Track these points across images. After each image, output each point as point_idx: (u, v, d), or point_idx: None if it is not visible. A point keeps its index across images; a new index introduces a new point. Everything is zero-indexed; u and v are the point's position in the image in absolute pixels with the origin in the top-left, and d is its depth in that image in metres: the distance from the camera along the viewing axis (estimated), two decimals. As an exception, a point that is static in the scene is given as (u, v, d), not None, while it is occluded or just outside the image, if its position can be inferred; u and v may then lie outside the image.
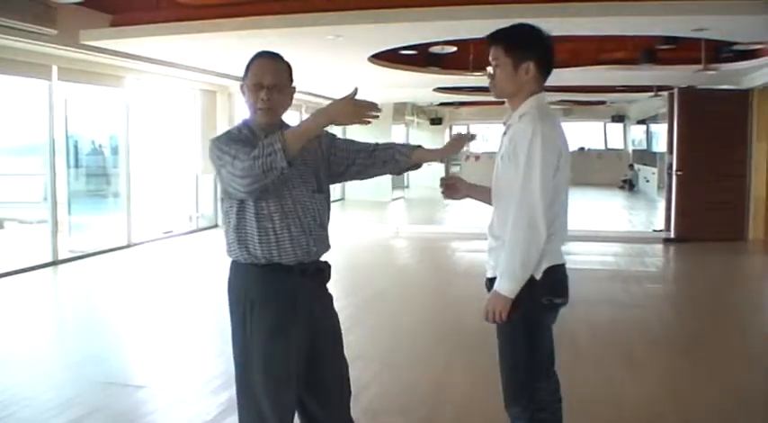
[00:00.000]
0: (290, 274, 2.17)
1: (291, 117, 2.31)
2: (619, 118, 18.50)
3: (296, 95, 2.33)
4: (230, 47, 6.83)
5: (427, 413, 3.43)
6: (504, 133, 2.30)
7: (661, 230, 9.68)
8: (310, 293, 2.23)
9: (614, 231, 10.18)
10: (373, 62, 7.94)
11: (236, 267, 2.23)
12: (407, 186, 16.33)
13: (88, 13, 6.35)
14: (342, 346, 2.34)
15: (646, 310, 5.69)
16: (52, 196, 7.53)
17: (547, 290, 2.22)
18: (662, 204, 10.34)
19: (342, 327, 2.36)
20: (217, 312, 5.25)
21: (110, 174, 9.14)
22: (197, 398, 3.65)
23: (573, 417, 2.52)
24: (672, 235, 9.35)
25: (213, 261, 7.78)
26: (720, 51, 7.56)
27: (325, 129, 2.12)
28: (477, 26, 5.38)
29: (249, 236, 2.15)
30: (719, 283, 7.03)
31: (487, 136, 20.60)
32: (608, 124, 19.19)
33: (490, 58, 2.27)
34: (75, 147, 8.53)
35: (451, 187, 2.47)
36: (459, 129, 20.42)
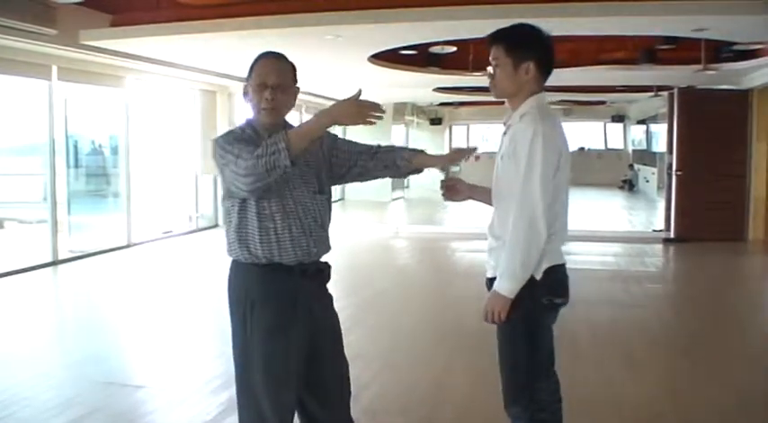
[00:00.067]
0: (291, 274, 2.18)
1: (292, 117, 2.32)
2: (619, 118, 18.50)
3: (296, 96, 2.33)
4: (230, 47, 6.83)
5: (427, 413, 3.42)
6: (505, 133, 2.30)
7: (661, 230, 9.68)
8: (310, 293, 2.23)
9: (614, 231, 10.19)
10: (373, 62, 7.94)
11: (236, 267, 2.23)
12: (407, 187, 16.34)
13: (88, 13, 6.35)
14: (342, 346, 2.34)
15: (646, 310, 5.69)
16: (52, 196, 7.53)
17: (547, 290, 2.22)
18: (662, 204, 10.35)
19: (342, 327, 2.36)
20: (217, 312, 5.25)
21: (109, 174, 9.13)
22: (197, 398, 3.65)
23: (573, 417, 2.52)
24: (672, 235, 9.36)
25: (213, 261, 7.78)
26: (720, 51, 7.56)
27: (327, 129, 2.12)
28: (477, 26, 5.38)
29: (250, 235, 2.15)
30: (719, 283, 7.03)
31: (487, 136, 20.62)
32: (608, 124, 19.19)
33: (490, 58, 2.27)
34: (75, 147, 8.52)
35: (452, 189, 2.46)
36: (459, 129, 20.44)
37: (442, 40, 7.29)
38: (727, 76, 8.55)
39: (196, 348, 4.66)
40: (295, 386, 2.21)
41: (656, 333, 5.03)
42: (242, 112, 10.51)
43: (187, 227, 10.23)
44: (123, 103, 8.68)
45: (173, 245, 9.19)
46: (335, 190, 2.42)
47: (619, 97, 14.89)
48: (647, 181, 15.94)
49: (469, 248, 8.60)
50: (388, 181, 13.54)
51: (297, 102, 2.32)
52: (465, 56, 8.10)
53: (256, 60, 2.22)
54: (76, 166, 8.55)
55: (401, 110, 15.73)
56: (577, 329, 4.65)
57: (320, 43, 6.33)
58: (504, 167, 2.24)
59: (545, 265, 2.19)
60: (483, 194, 2.40)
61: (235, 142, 2.11)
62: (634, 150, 18.23)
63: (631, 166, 17.98)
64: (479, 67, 7.90)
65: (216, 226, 10.62)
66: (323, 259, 2.29)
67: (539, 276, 2.19)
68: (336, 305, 2.36)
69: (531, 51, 2.22)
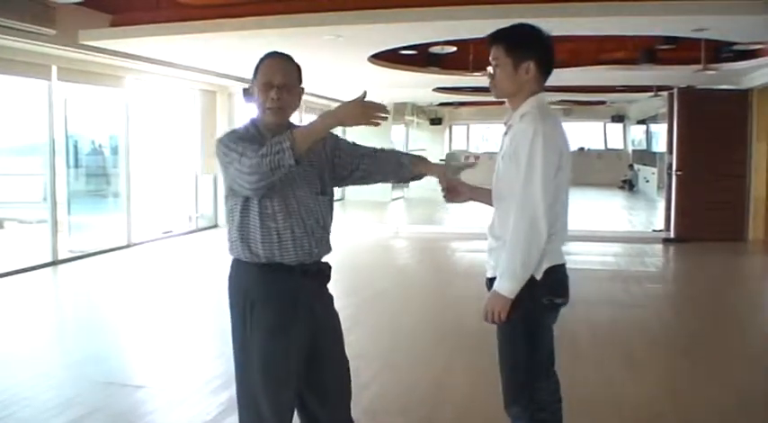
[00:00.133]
0: (292, 274, 2.18)
1: (291, 118, 2.31)
2: (619, 118, 18.50)
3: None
4: (230, 47, 6.83)
5: (427, 413, 3.42)
6: (505, 133, 2.30)
7: (661, 230, 9.68)
8: (311, 293, 2.24)
9: (614, 231, 10.19)
10: (373, 62, 7.94)
11: (237, 266, 2.24)
12: (407, 187, 16.34)
13: (88, 13, 6.35)
14: (343, 346, 2.34)
15: (646, 310, 5.69)
16: (52, 196, 7.53)
17: (547, 290, 2.22)
18: (662, 204, 10.35)
19: (342, 327, 2.36)
20: (217, 312, 5.25)
21: (109, 174, 9.13)
22: (197, 398, 3.65)
23: (573, 417, 2.52)
24: (672, 235, 9.36)
25: (213, 261, 7.78)
26: (720, 51, 7.56)
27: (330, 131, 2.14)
28: (477, 26, 5.38)
29: (252, 234, 2.16)
30: (719, 283, 7.03)
31: (487, 136, 20.62)
32: (608, 124, 19.18)
33: (490, 58, 2.27)
34: (75, 147, 8.52)
35: (453, 190, 2.46)
36: (459, 129, 20.44)
37: (442, 40, 7.29)
38: (727, 76, 8.55)
39: (196, 348, 4.66)
40: (294, 386, 2.21)
41: (656, 333, 5.03)
42: (242, 112, 10.54)
43: (187, 227, 10.23)
44: (123, 103, 8.68)
45: (173, 245, 9.19)
46: (336, 190, 2.43)
47: (619, 97, 14.89)
48: (647, 181, 15.94)
49: (469, 248, 8.60)
50: (388, 181, 13.60)
51: (297, 102, 2.32)
52: (465, 56, 8.10)
53: (262, 60, 2.23)
54: (76, 166, 8.55)
55: (401, 110, 15.73)
56: (577, 329, 4.65)
57: (320, 43, 6.33)
58: (504, 168, 2.24)
59: (545, 266, 2.19)
60: (484, 196, 2.39)
61: (239, 141, 2.11)
62: (634, 150, 18.23)
63: (631, 166, 17.98)
64: (479, 67, 7.90)
65: (216, 226, 10.62)
66: (324, 260, 2.29)
67: (539, 276, 2.18)
68: (336, 305, 2.36)
69: (531, 51, 2.22)
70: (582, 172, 13.91)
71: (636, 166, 17.66)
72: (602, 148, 19.59)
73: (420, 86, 11.20)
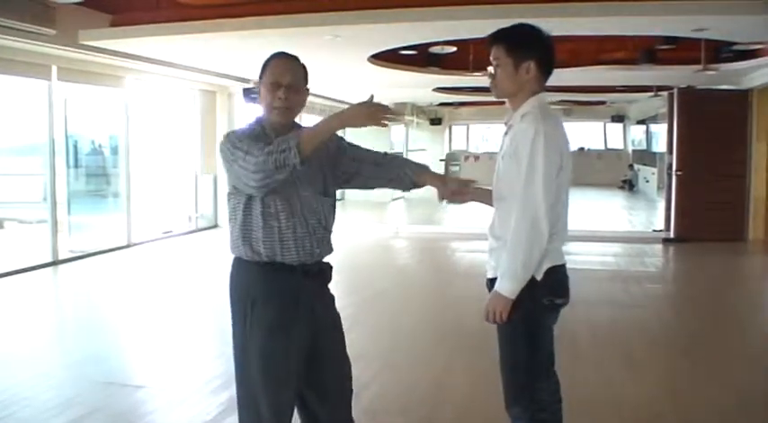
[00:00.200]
0: (293, 273, 2.18)
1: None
2: (619, 118, 18.50)
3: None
4: (230, 47, 6.82)
5: (427, 413, 3.42)
6: (506, 133, 2.30)
7: (661, 230, 9.68)
8: (312, 293, 2.24)
9: (614, 231, 10.19)
10: (373, 62, 7.94)
11: (238, 264, 2.24)
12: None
13: (88, 13, 6.35)
14: (344, 346, 2.34)
15: (645, 311, 5.69)
16: (52, 196, 7.53)
17: (548, 290, 2.22)
18: (662, 204, 10.35)
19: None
20: (217, 312, 5.25)
21: (109, 174, 9.13)
22: (197, 398, 3.65)
23: (573, 417, 2.52)
24: (671, 235, 9.36)
25: (213, 261, 7.78)
26: (720, 51, 7.56)
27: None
28: (477, 26, 5.38)
29: (254, 233, 2.16)
30: (719, 283, 7.03)
31: (487, 136, 20.63)
32: (608, 124, 19.19)
33: (491, 58, 2.26)
34: (75, 147, 8.52)
35: (455, 191, 2.47)
36: (459, 129, 20.44)
37: (442, 40, 7.29)
38: (727, 76, 8.55)
39: (196, 348, 4.66)
40: (294, 386, 2.21)
41: (656, 333, 5.03)
42: (242, 112, 10.54)
43: (187, 227, 10.23)
44: (123, 103, 8.68)
45: (173, 245, 9.19)
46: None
47: (619, 97, 14.89)
48: (647, 181, 15.94)
49: (469, 248, 8.59)
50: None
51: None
52: (465, 56, 8.10)
53: (269, 60, 2.24)
54: (76, 166, 8.55)
55: (401, 110, 15.74)
56: (577, 330, 4.65)
57: (320, 43, 6.33)
58: (505, 168, 2.24)
59: (546, 266, 2.19)
60: (485, 196, 2.39)
61: (245, 139, 2.12)
62: (634, 150, 18.24)
63: (631, 166, 17.98)
64: (479, 67, 7.90)
65: (216, 226, 10.62)
66: (325, 260, 2.29)
67: (539, 277, 2.18)
68: (337, 305, 2.36)
69: (531, 51, 2.22)
70: (582, 172, 13.92)
71: (636, 166, 17.66)
72: (602, 148, 19.60)
73: (420, 86, 11.20)
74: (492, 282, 2.25)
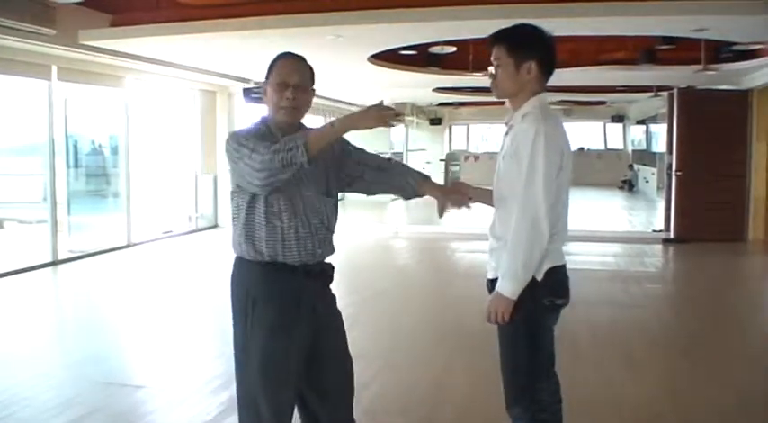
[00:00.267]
0: (294, 273, 2.18)
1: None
2: (618, 118, 18.51)
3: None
4: (231, 47, 6.83)
5: (427, 413, 3.42)
6: (506, 133, 2.29)
7: (661, 231, 9.68)
8: (314, 293, 2.24)
9: (614, 232, 10.19)
10: (373, 62, 7.94)
11: (239, 264, 2.24)
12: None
13: (88, 13, 6.35)
14: (346, 346, 2.34)
15: (645, 311, 5.69)
16: (52, 196, 7.53)
17: (548, 291, 2.21)
18: (661, 205, 10.35)
19: (343, 326, 2.36)
20: (217, 312, 5.25)
21: (109, 174, 9.13)
22: (197, 398, 3.65)
23: (573, 417, 2.52)
24: (671, 235, 9.35)
25: (213, 261, 7.79)
26: (720, 51, 7.56)
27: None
28: (479, 26, 5.37)
29: (257, 232, 2.16)
30: (719, 283, 7.03)
31: (487, 136, 20.63)
32: (608, 124, 19.19)
33: (492, 58, 2.26)
34: (75, 147, 8.52)
35: (456, 192, 2.47)
36: (459, 129, 20.45)
37: (442, 40, 7.29)
38: (727, 76, 8.55)
39: (196, 348, 4.66)
40: (295, 386, 2.21)
41: (656, 333, 5.03)
42: (242, 111, 10.54)
43: (187, 227, 10.23)
44: (123, 103, 8.68)
45: (172, 245, 9.19)
46: (336, 190, 2.44)
47: (619, 97, 14.89)
48: (647, 181, 15.94)
49: (469, 249, 8.59)
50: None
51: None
52: (465, 56, 8.10)
53: (276, 60, 2.25)
54: (76, 166, 8.55)
55: (401, 110, 15.74)
56: (577, 330, 4.65)
57: (320, 43, 6.33)
58: (505, 168, 2.23)
59: (546, 266, 2.19)
60: (486, 197, 2.38)
61: (251, 137, 2.12)
62: (634, 151, 18.24)
63: (631, 166, 17.99)
64: (479, 67, 7.89)
65: (215, 226, 10.62)
66: (327, 260, 2.30)
67: (540, 277, 2.18)
68: (337, 305, 2.36)
69: (532, 51, 2.21)
70: (582, 172, 13.91)
71: (636, 167, 17.67)
72: (602, 148, 19.61)
73: (420, 86, 11.20)
74: (492, 282, 2.25)
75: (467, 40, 7.35)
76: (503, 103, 2.34)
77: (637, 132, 17.86)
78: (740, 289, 6.93)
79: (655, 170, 14.32)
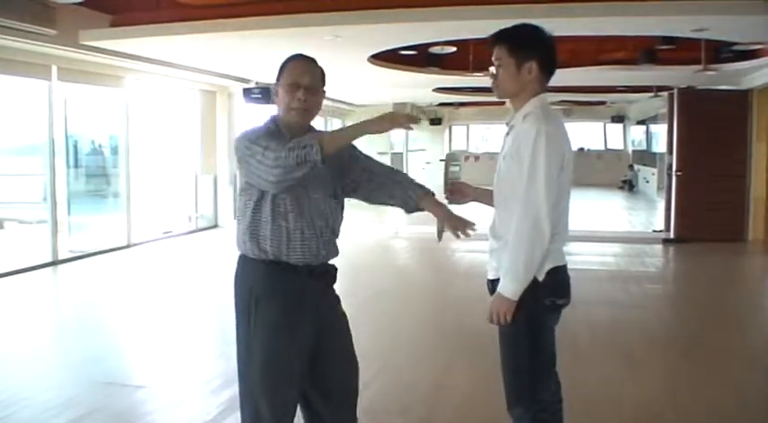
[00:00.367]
0: (297, 273, 2.19)
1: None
2: (619, 118, 18.50)
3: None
4: (231, 47, 6.83)
5: (427, 413, 3.42)
6: (507, 134, 2.29)
7: (661, 231, 9.68)
8: (316, 293, 2.24)
9: (614, 232, 10.18)
10: (373, 62, 7.94)
11: (243, 262, 2.25)
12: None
13: (88, 14, 6.35)
14: (350, 346, 2.34)
15: (645, 311, 5.69)
16: (52, 196, 7.53)
17: (550, 291, 2.21)
18: (662, 205, 10.35)
19: (344, 327, 2.36)
20: (217, 312, 5.25)
21: (109, 174, 9.13)
22: (197, 398, 3.65)
23: (573, 417, 2.52)
24: (671, 235, 9.35)
25: (213, 261, 7.79)
26: (720, 51, 7.56)
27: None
28: (478, 26, 5.38)
29: (262, 231, 2.17)
30: (719, 283, 7.03)
31: (487, 136, 20.63)
32: (608, 125, 19.19)
33: (493, 58, 2.26)
34: (75, 147, 8.52)
35: (457, 192, 2.46)
36: (459, 129, 20.44)
37: (443, 40, 7.29)
38: (727, 76, 8.55)
39: (196, 348, 4.66)
40: (297, 385, 2.21)
41: (656, 333, 5.03)
42: (242, 112, 10.53)
43: (187, 227, 10.23)
44: (123, 103, 8.68)
45: (172, 245, 9.19)
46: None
47: (619, 97, 14.89)
48: (647, 181, 15.95)
49: (469, 249, 8.58)
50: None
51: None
52: (465, 56, 8.10)
53: (287, 61, 2.26)
54: (76, 166, 8.55)
55: (401, 110, 15.75)
56: (577, 330, 4.65)
57: (320, 43, 6.33)
58: (506, 168, 2.23)
59: (548, 267, 2.18)
60: (487, 197, 2.38)
61: (263, 135, 2.13)
62: (634, 151, 18.23)
63: (631, 166, 17.99)
64: (479, 67, 7.90)
65: (216, 226, 10.62)
66: (330, 262, 2.30)
67: (541, 277, 2.18)
68: (338, 305, 2.36)
69: (533, 51, 2.21)
70: (582, 172, 13.90)
71: (636, 167, 17.66)
72: (602, 148, 19.60)
73: (420, 86, 11.19)
74: (493, 282, 2.25)
75: (467, 40, 7.35)
76: (503, 103, 2.34)
77: (637, 132, 17.85)
78: (740, 289, 6.93)
79: (655, 170, 14.32)
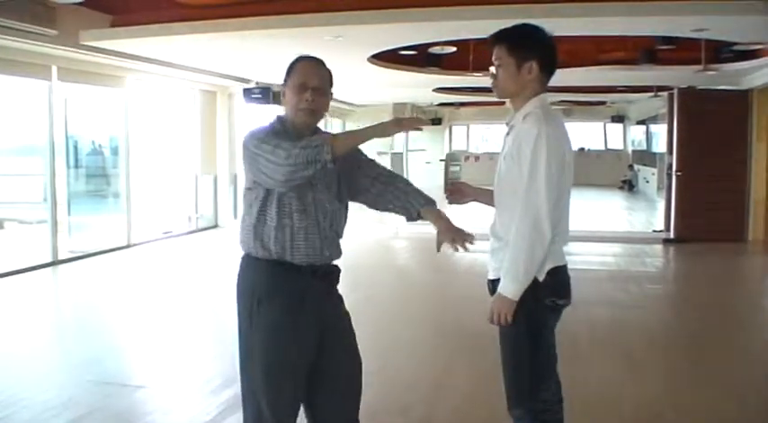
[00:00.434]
0: (301, 273, 2.19)
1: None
2: (619, 118, 18.51)
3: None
4: (231, 47, 6.82)
5: (427, 413, 3.42)
6: (507, 134, 2.29)
7: (661, 231, 9.69)
8: (319, 293, 2.24)
9: (614, 232, 10.19)
10: (373, 62, 7.94)
11: (246, 261, 2.25)
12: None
13: (88, 14, 6.35)
14: (354, 346, 2.34)
15: (645, 311, 5.69)
16: (52, 196, 7.53)
17: (550, 291, 2.21)
18: (662, 205, 10.36)
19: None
20: (216, 313, 5.26)
21: (109, 174, 9.14)
22: (197, 398, 3.65)
23: (573, 417, 2.52)
24: (671, 235, 9.35)
25: (213, 261, 7.79)
26: (720, 51, 7.56)
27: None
28: (478, 26, 5.38)
29: (266, 230, 2.17)
30: (719, 283, 7.03)
31: (487, 136, 20.63)
32: (608, 125, 19.20)
33: (493, 58, 2.26)
34: (75, 147, 8.52)
35: (457, 192, 2.46)
36: (459, 129, 20.45)
37: (443, 40, 7.29)
38: (727, 76, 8.55)
39: (196, 348, 4.65)
40: (300, 384, 2.21)
41: (656, 333, 5.03)
42: (242, 112, 10.53)
43: (187, 227, 10.23)
44: (123, 104, 8.68)
45: (172, 245, 9.19)
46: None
47: (619, 97, 14.90)
48: (647, 181, 15.95)
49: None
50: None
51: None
52: (465, 56, 8.10)
53: (295, 62, 2.27)
54: (76, 166, 8.55)
55: (401, 110, 15.75)
56: (577, 330, 4.65)
57: (320, 43, 6.33)
58: (506, 168, 2.23)
59: (548, 267, 2.18)
60: (487, 197, 2.38)
61: (272, 134, 2.14)
62: (634, 151, 18.24)
63: (631, 166, 17.99)
64: (479, 67, 7.90)
65: (216, 226, 10.62)
66: (333, 263, 2.31)
67: (542, 278, 2.18)
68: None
69: (533, 51, 2.21)
70: (582, 172, 13.84)
71: (636, 167, 17.66)
72: (602, 148, 19.60)
73: (420, 86, 11.20)
74: (493, 283, 2.25)
75: (467, 40, 7.35)
76: (503, 103, 2.34)
77: (637, 132, 17.86)
78: (740, 289, 6.93)
79: (655, 170, 14.32)
